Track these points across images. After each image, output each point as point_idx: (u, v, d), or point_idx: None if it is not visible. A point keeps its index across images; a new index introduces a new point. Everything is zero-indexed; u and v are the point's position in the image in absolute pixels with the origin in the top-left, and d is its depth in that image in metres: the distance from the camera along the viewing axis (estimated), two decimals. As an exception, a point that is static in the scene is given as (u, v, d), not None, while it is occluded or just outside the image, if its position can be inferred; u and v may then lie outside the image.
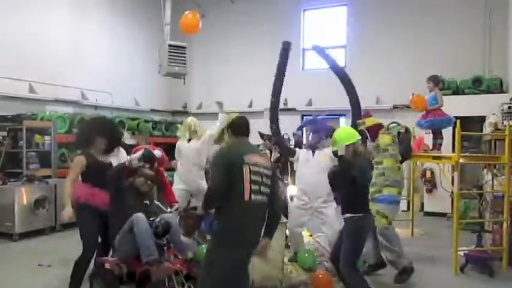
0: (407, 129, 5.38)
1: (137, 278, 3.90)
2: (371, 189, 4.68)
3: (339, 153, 3.89)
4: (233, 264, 2.93)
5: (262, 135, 6.01)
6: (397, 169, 4.79)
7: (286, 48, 5.47)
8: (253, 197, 2.92)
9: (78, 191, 3.89)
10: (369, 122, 4.91)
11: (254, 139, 5.81)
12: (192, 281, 3.80)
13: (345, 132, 3.96)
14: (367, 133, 4.81)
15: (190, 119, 5.92)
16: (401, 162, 5.03)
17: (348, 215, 3.74)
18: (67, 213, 3.77)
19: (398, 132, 5.41)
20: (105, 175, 3.93)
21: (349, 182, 3.71)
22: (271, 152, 5.73)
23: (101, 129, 4.13)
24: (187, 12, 6.03)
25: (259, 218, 3.04)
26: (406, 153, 5.15)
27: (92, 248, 3.92)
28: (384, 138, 4.79)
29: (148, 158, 4.17)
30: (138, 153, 4.15)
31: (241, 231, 2.93)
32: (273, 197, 3.09)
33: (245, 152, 3.00)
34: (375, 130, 4.84)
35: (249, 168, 2.92)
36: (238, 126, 3.19)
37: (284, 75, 5.47)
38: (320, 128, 5.14)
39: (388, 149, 4.74)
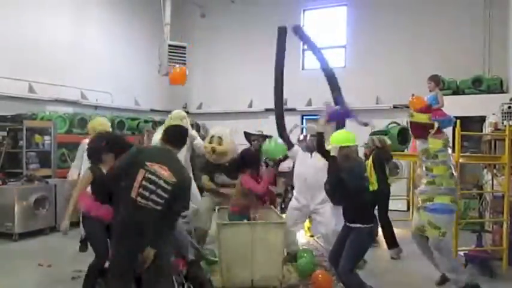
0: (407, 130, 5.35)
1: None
2: (421, 197, 4.46)
3: (331, 153, 3.90)
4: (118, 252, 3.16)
5: (249, 136, 5.93)
6: (449, 176, 4.34)
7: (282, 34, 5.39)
8: (139, 198, 3.06)
9: (84, 203, 3.93)
10: (416, 117, 4.44)
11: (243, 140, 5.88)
12: (192, 281, 3.80)
13: (342, 134, 3.94)
14: (409, 125, 4.46)
15: (178, 111, 6.09)
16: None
17: (357, 225, 3.74)
18: (63, 226, 3.80)
19: (403, 129, 5.29)
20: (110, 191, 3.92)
21: (337, 182, 3.73)
22: (256, 152, 5.70)
23: (110, 147, 4.05)
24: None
25: (141, 221, 3.07)
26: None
27: (103, 255, 3.91)
28: (434, 143, 4.32)
29: None
30: None
31: (121, 225, 3.11)
32: (166, 211, 3.13)
33: (153, 158, 3.16)
34: (420, 129, 4.40)
35: (145, 173, 3.08)
36: (168, 135, 3.39)
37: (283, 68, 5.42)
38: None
39: (438, 155, 4.30)
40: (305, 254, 4.80)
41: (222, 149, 5.16)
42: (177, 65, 7.39)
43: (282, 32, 5.41)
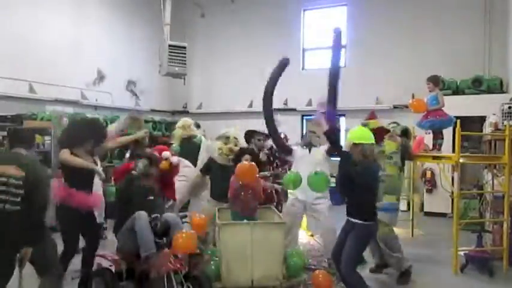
0: (407, 131, 5.39)
1: (136, 276, 3.89)
2: None
3: (344, 149, 3.88)
4: None
5: (252, 134, 5.85)
6: (397, 177, 4.79)
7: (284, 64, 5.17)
8: None
9: (56, 192, 3.92)
10: (373, 123, 4.77)
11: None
12: (191, 280, 3.79)
13: (359, 131, 3.90)
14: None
15: (184, 120, 6.20)
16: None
17: (359, 221, 3.73)
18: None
19: (405, 130, 5.39)
20: (86, 175, 4.00)
21: (348, 178, 3.70)
22: (259, 151, 5.67)
23: (91, 132, 4.17)
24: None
25: (7, 225, 3.02)
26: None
27: (72, 247, 3.98)
28: (389, 145, 4.72)
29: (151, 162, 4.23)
30: (140, 164, 4.20)
31: None
32: (29, 205, 3.08)
33: None
34: (380, 134, 4.69)
35: None
36: (11, 139, 3.47)
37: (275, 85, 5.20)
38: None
39: (392, 157, 4.69)
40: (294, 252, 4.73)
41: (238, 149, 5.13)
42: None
43: (283, 64, 5.30)
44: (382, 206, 4.52)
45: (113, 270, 3.96)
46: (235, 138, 5.13)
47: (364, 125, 4.76)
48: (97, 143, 4.21)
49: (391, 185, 4.70)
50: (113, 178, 5.52)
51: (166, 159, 4.60)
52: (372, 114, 5.07)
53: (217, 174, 4.96)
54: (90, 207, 4.05)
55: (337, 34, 4.88)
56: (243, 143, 5.23)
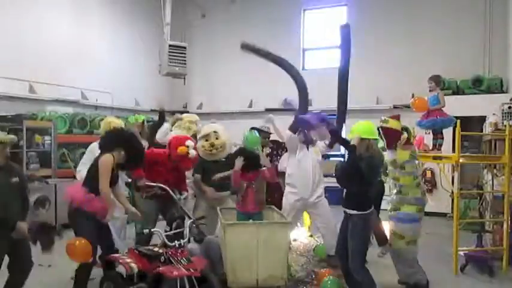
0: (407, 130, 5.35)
1: (149, 279, 3.73)
2: (389, 207, 4.50)
3: (352, 143, 3.86)
4: None
5: (258, 132, 5.82)
6: (415, 185, 4.40)
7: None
8: None
9: (74, 195, 3.84)
10: (392, 123, 4.37)
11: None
12: (205, 285, 3.73)
13: (365, 126, 3.90)
14: (381, 132, 4.35)
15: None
16: None
17: (355, 212, 3.76)
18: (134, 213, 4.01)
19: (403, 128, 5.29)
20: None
21: (354, 172, 3.70)
22: (263, 148, 5.69)
23: (122, 143, 3.98)
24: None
25: None
26: None
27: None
28: (401, 154, 4.37)
29: None
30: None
31: None
32: None
33: None
34: (393, 136, 4.37)
35: None
36: None
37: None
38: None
39: (405, 167, 4.33)
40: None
41: (220, 141, 5.10)
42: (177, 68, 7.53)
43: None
44: (397, 215, 4.35)
45: (124, 274, 3.81)
46: (215, 132, 5.13)
47: (383, 120, 4.45)
48: (128, 158, 4.00)
49: (409, 195, 4.36)
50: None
51: (187, 146, 4.56)
52: (397, 116, 4.65)
53: (208, 171, 5.03)
54: (105, 215, 3.85)
55: (346, 31, 4.79)
56: (225, 136, 5.20)
